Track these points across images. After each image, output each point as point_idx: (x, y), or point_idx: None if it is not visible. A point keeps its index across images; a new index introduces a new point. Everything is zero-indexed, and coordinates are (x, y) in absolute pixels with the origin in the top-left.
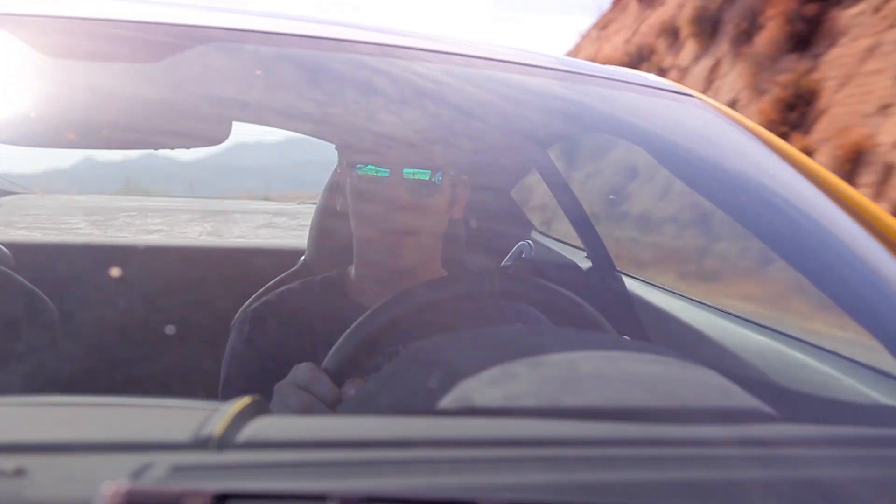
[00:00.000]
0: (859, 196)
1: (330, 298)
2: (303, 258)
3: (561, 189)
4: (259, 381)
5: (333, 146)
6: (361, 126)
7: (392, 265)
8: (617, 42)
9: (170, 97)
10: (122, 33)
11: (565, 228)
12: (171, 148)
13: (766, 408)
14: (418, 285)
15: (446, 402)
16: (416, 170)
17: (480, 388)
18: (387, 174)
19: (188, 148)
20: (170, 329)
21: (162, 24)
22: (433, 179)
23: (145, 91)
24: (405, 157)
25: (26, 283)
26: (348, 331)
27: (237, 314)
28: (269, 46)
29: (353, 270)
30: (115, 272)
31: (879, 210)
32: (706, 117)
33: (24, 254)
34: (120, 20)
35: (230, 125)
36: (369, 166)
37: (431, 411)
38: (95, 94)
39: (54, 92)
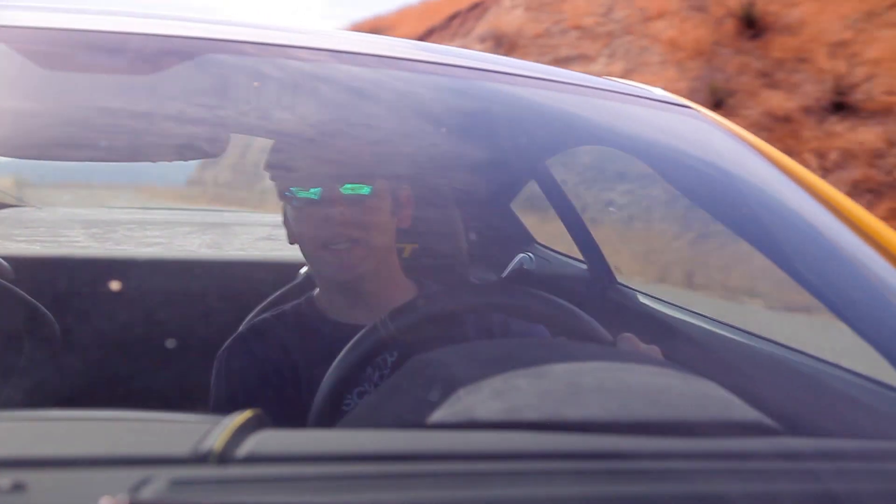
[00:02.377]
0: (857, 207)
1: (304, 322)
2: (304, 270)
3: (561, 201)
4: None
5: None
6: (289, 152)
7: (343, 278)
8: None
9: (167, 109)
10: (119, 46)
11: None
12: (170, 161)
13: (767, 421)
14: (365, 331)
15: (447, 415)
16: (347, 185)
17: (482, 400)
18: (316, 190)
19: (186, 160)
20: (170, 342)
21: (158, 35)
22: (365, 186)
23: (142, 103)
24: (335, 173)
25: (26, 296)
26: (319, 390)
27: (216, 360)
28: (282, 59)
29: (318, 290)
30: (114, 285)
31: (877, 221)
32: (705, 129)
33: (24, 267)
34: (117, 32)
35: (228, 137)
36: (296, 189)
37: (432, 424)
38: (93, 106)
39: (52, 105)
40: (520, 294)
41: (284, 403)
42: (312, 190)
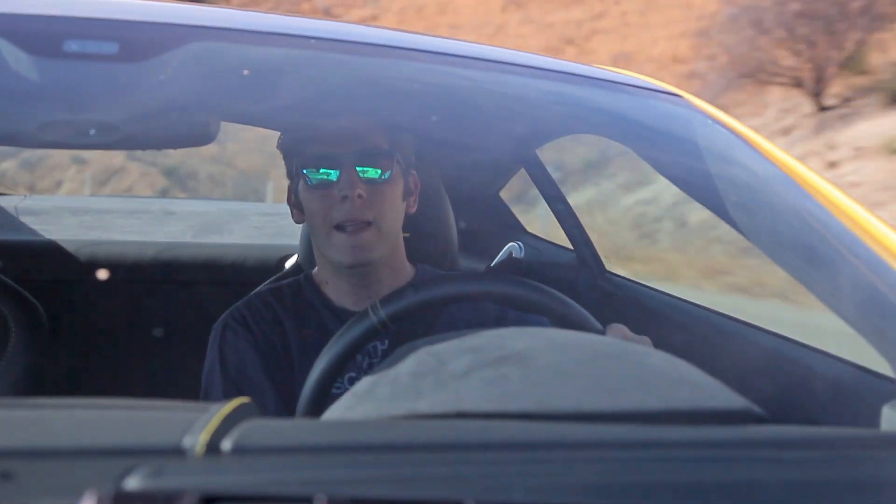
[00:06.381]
0: (845, 197)
1: (302, 302)
2: (294, 259)
3: (550, 190)
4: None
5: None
6: (307, 128)
7: (355, 261)
8: None
9: (158, 97)
10: (109, 32)
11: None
12: (159, 148)
13: (756, 408)
14: (350, 321)
15: (435, 404)
16: (366, 168)
17: (469, 390)
18: (335, 170)
19: (175, 148)
20: (158, 331)
21: (148, 22)
22: (383, 167)
23: (133, 91)
24: (352, 149)
25: (13, 284)
26: (308, 377)
27: (211, 331)
28: (272, 47)
29: (318, 271)
30: (103, 274)
31: (865, 210)
32: (693, 117)
33: (11, 255)
34: (108, 19)
35: (218, 125)
36: (313, 167)
37: (420, 414)
38: (82, 93)
39: (41, 92)
40: (514, 283)
41: (277, 382)
42: (330, 171)
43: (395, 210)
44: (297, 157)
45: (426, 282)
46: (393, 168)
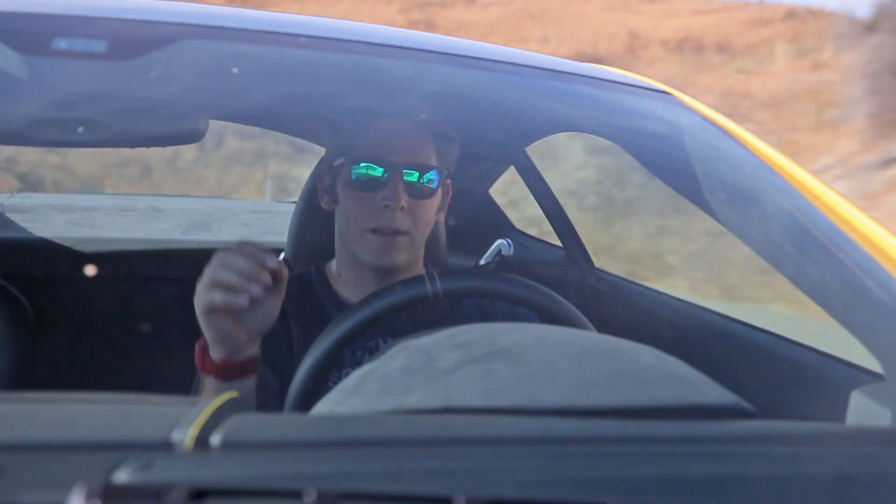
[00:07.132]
0: (834, 194)
1: (310, 294)
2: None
3: (540, 187)
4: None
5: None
6: (358, 125)
7: (382, 264)
8: None
9: (147, 95)
10: (98, 30)
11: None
12: (148, 146)
13: (745, 404)
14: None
15: (424, 399)
16: (413, 171)
17: (458, 385)
18: (382, 173)
19: (164, 146)
20: (146, 327)
21: (139, 21)
22: (429, 181)
23: (122, 89)
24: (403, 157)
25: (0, 280)
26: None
27: None
28: (262, 45)
29: (333, 267)
30: (90, 270)
31: (855, 209)
32: (683, 115)
33: None
34: (96, 17)
35: (207, 123)
36: (362, 164)
37: (409, 409)
38: (72, 92)
39: (29, 90)
40: (574, 314)
41: (280, 374)
42: (376, 168)
43: (430, 220)
44: (343, 148)
45: (495, 273)
46: (436, 184)
